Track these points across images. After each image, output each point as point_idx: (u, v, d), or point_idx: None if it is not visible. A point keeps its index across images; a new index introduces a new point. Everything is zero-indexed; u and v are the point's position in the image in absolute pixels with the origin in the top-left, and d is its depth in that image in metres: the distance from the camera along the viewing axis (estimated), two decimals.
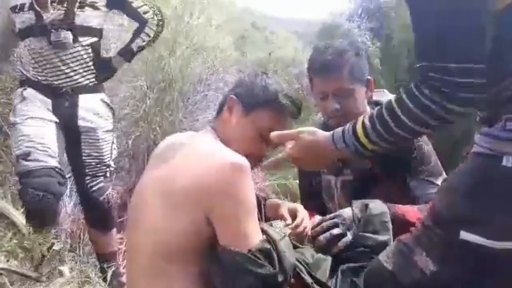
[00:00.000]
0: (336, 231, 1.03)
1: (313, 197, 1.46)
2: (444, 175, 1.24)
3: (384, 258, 0.87)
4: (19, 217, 1.88)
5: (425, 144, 1.24)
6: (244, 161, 0.90)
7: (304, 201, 1.52)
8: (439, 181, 1.21)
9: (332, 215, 1.07)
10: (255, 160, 1.05)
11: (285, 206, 1.16)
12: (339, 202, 1.36)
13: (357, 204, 1.07)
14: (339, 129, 0.91)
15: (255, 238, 0.87)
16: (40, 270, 1.59)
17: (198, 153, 0.95)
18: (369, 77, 1.30)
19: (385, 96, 1.36)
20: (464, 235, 0.73)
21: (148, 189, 0.97)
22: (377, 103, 1.32)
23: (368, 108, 1.30)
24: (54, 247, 1.64)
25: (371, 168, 1.26)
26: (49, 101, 1.75)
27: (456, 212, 0.75)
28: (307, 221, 1.10)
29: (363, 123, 0.86)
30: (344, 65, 1.21)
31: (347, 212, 1.06)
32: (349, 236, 1.02)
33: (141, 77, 2.91)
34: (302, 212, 1.13)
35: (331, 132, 0.93)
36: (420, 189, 1.20)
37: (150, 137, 2.79)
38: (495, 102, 0.74)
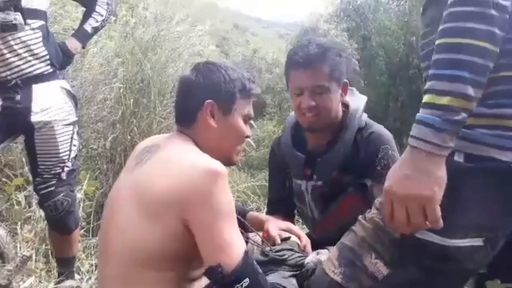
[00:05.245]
0: None
1: (282, 202, 1.45)
2: None
3: (331, 268, 0.82)
4: None
5: (390, 149, 1.23)
6: (221, 167, 0.89)
7: (272, 206, 1.51)
8: None
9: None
10: (243, 144, 1.09)
11: (273, 223, 1.18)
12: (310, 206, 1.35)
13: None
14: (413, 130, 0.68)
15: (235, 242, 0.87)
16: (10, 277, 1.53)
17: (174, 159, 0.93)
18: (345, 80, 1.29)
19: (353, 95, 1.35)
20: (418, 232, 0.71)
21: (123, 193, 0.95)
22: (346, 105, 1.31)
23: (340, 110, 1.30)
24: (24, 253, 1.59)
25: (339, 176, 1.26)
26: None
27: None
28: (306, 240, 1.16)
29: (426, 91, 0.67)
30: (325, 62, 1.20)
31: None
32: None
33: (119, 78, 2.86)
34: (302, 233, 1.18)
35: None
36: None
37: (127, 139, 2.74)
38: None
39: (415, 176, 0.67)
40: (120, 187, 1.00)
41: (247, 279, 0.84)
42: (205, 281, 0.98)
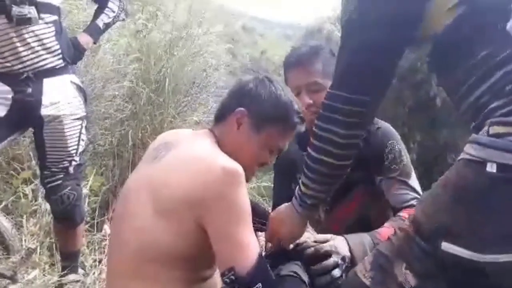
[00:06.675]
0: (336, 272, 1.02)
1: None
2: (414, 174, 1.22)
3: (362, 271, 0.82)
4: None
5: (397, 144, 1.22)
6: (238, 167, 0.88)
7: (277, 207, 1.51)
8: (411, 181, 1.20)
9: (328, 247, 1.07)
10: (257, 167, 1.05)
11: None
12: None
13: (352, 241, 1.09)
14: (294, 195, 1.01)
15: (250, 245, 0.86)
16: (15, 269, 1.55)
17: (192, 157, 0.92)
18: None
19: None
20: (447, 246, 0.70)
21: (139, 188, 0.94)
22: None
23: None
24: (29, 246, 1.60)
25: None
26: (8, 89, 1.58)
27: (439, 222, 0.72)
28: None
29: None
30: (318, 59, 1.22)
31: (343, 249, 1.06)
32: (337, 272, 1.02)
33: (130, 76, 2.88)
34: None
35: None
36: (392, 190, 1.19)
37: (137, 136, 2.75)
38: (478, 109, 0.73)
39: (284, 221, 1.04)
40: (136, 179, 0.99)
41: (259, 284, 0.84)
42: (214, 281, 0.98)
